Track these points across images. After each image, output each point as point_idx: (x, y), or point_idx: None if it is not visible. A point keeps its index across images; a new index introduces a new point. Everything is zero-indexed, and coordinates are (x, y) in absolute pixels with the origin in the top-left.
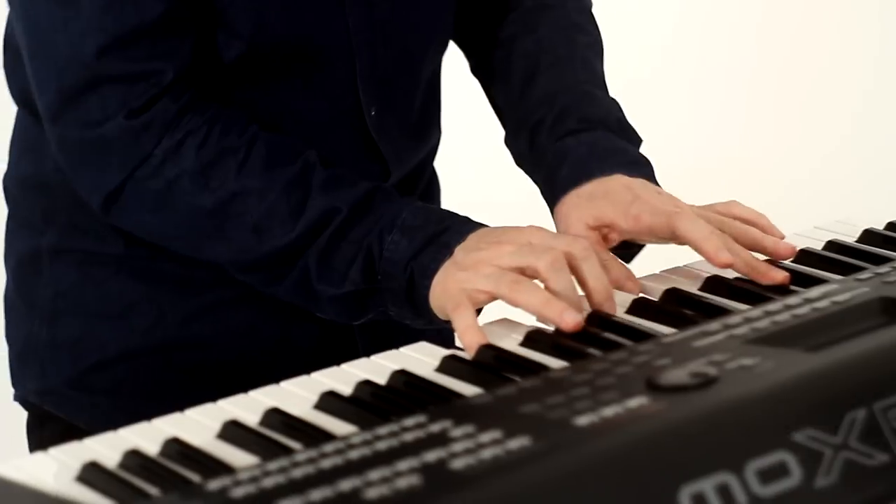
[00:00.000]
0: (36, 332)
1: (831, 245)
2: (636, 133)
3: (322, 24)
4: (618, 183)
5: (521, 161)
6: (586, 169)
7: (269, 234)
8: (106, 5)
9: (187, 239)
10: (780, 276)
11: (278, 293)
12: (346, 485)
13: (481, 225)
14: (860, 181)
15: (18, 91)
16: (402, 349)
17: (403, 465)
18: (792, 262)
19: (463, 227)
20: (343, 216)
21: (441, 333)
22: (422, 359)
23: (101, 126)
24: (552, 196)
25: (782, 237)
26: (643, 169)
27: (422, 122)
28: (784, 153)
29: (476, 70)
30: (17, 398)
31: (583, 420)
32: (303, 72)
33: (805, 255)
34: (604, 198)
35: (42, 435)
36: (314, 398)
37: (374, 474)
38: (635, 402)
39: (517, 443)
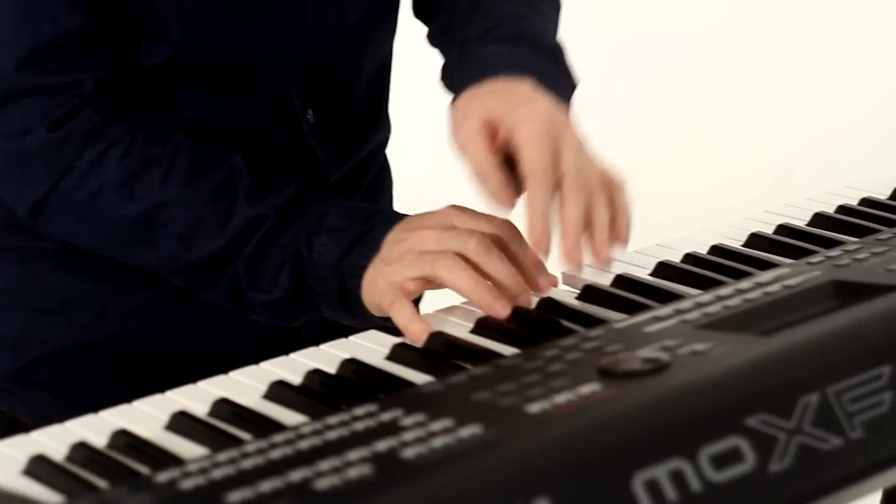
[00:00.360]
0: None
1: (782, 229)
2: (570, 70)
3: (253, 31)
4: (525, 86)
5: (448, 82)
6: (492, 67)
7: (196, 243)
8: (21, 18)
9: (116, 247)
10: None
11: (211, 298)
12: (296, 475)
13: (406, 216)
14: (809, 165)
15: None
16: (352, 338)
17: (354, 454)
18: (742, 245)
19: (388, 221)
20: (270, 223)
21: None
22: (372, 347)
23: (22, 138)
24: (457, 91)
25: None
26: (560, 87)
27: (365, 118)
28: (736, 139)
29: (430, 34)
30: None
31: (535, 407)
32: (234, 76)
33: (756, 239)
34: (501, 92)
35: None
36: (263, 388)
37: (325, 464)
38: (587, 388)
39: (468, 431)
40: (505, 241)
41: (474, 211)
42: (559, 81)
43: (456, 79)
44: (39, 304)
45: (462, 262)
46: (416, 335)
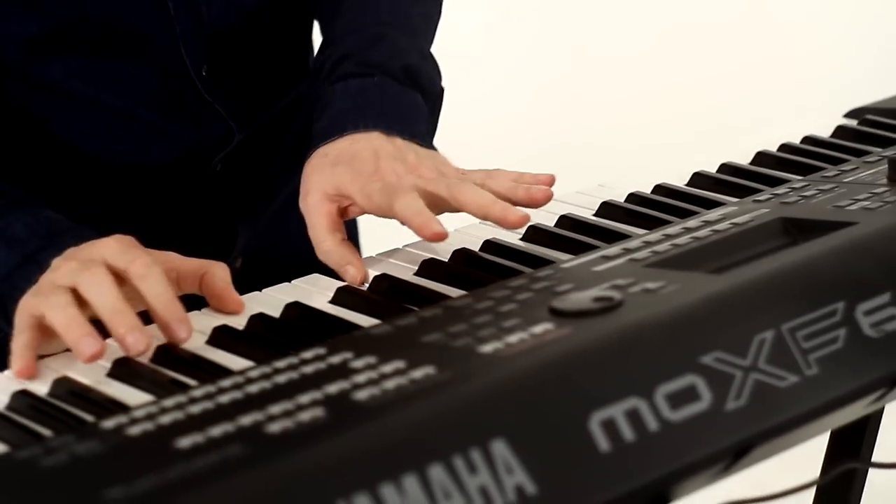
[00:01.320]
0: None
1: (725, 167)
2: (434, 82)
3: None
4: (369, 146)
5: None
6: (340, 122)
7: None
8: None
9: None
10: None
11: None
12: (247, 419)
13: (94, 237)
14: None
15: None
16: (295, 282)
17: (305, 398)
18: (686, 184)
19: (68, 241)
20: None
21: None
22: (315, 290)
23: None
24: (311, 141)
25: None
26: (412, 125)
27: (274, 72)
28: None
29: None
30: None
31: (487, 347)
32: (121, 41)
33: (699, 178)
34: (348, 164)
35: None
36: (206, 333)
37: (276, 408)
38: (540, 328)
39: (421, 372)
40: (134, 278)
41: (135, 247)
42: (408, 118)
43: (314, 123)
44: None
45: (70, 301)
46: (21, 371)
